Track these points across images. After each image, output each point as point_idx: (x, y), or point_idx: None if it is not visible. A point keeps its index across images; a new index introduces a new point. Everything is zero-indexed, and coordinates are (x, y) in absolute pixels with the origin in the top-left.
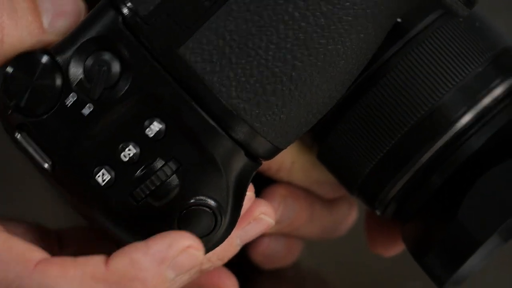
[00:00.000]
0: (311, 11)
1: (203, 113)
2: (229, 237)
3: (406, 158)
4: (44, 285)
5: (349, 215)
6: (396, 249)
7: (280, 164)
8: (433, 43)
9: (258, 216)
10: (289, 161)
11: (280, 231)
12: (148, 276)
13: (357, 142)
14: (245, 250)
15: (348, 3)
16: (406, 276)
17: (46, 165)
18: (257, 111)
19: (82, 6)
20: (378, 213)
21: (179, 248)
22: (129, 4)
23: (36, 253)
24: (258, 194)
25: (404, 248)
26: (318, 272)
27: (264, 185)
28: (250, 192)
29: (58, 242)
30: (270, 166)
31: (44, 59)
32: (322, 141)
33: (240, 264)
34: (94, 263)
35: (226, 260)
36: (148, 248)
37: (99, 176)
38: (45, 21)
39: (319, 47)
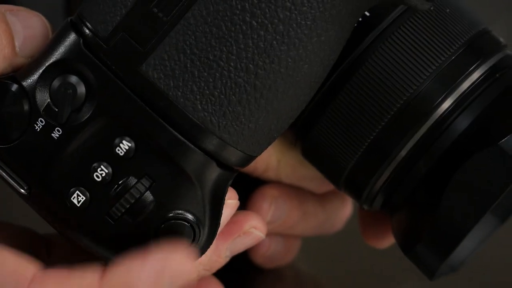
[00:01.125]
0: (269, 19)
1: (171, 129)
2: (217, 248)
3: (388, 150)
4: None
5: (343, 209)
6: (388, 240)
7: (266, 164)
8: (404, 33)
9: (248, 230)
10: (275, 160)
11: (274, 230)
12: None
13: (338, 137)
14: (245, 251)
15: (305, 8)
16: (405, 276)
17: (22, 190)
18: (224, 122)
19: (49, 27)
20: (365, 207)
21: (176, 260)
22: (88, 25)
23: (30, 267)
24: (247, 196)
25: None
26: (317, 272)
27: (253, 186)
28: (233, 200)
29: (46, 248)
30: (256, 167)
31: (12, 86)
32: (304, 138)
33: (240, 264)
34: (90, 276)
35: (214, 270)
36: (145, 260)
37: (74, 198)
38: (16, 44)
39: (280, 54)
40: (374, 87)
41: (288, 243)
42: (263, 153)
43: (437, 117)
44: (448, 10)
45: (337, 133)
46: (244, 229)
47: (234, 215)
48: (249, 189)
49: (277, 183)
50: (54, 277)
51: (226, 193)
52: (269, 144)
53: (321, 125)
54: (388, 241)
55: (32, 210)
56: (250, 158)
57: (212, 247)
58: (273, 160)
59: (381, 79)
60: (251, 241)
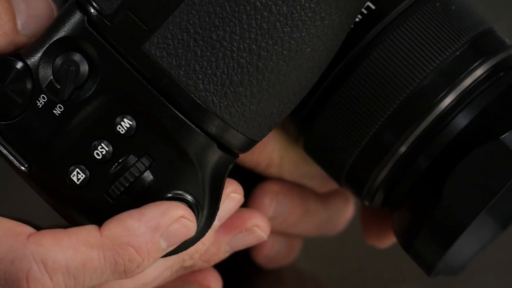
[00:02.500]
0: (273, 0)
1: (173, 108)
2: (217, 241)
3: (388, 145)
4: (39, 254)
5: (345, 209)
6: (388, 240)
7: (269, 160)
8: (409, 28)
9: (251, 228)
10: (278, 156)
11: (275, 228)
12: (142, 243)
13: (339, 132)
14: (246, 251)
15: None
16: (406, 277)
17: (22, 168)
18: (225, 103)
19: (54, 8)
20: (366, 203)
21: (173, 217)
22: (93, 3)
23: (26, 228)
24: (249, 192)
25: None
26: (317, 272)
27: (255, 182)
28: (238, 195)
29: None
30: (259, 162)
31: (16, 63)
32: (306, 133)
33: (241, 264)
34: (87, 230)
35: (212, 263)
36: (142, 215)
37: (74, 175)
38: (19, 23)
39: (283, 36)
40: (376, 81)
41: (290, 243)
42: (266, 149)
43: (438, 112)
44: (453, 7)
45: (339, 127)
46: (246, 226)
47: (239, 211)
48: (251, 185)
49: (278, 179)
50: (51, 233)
51: (226, 177)
52: (270, 129)
53: (323, 119)
54: (388, 241)
55: (30, 199)
56: (252, 142)
57: (211, 238)
58: (275, 156)
59: (384, 73)
60: (252, 240)
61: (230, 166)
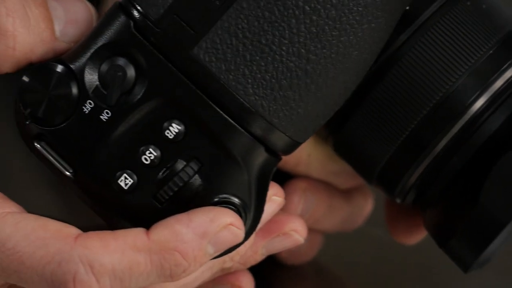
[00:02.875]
0: (322, 4)
1: (221, 112)
2: (255, 244)
3: (423, 145)
4: (86, 257)
5: (366, 204)
6: (418, 236)
7: (297, 158)
8: (441, 29)
9: (288, 232)
10: (306, 154)
11: None
12: (189, 248)
13: (373, 132)
14: None
15: None
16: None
17: (67, 173)
18: (274, 107)
19: (93, 13)
20: (398, 200)
21: (221, 224)
22: (139, 8)
23: (72, 229)
24: None
25: (425, 235)
26: (339, 268)
27: (282, 180)
28: (279, 198)
29: None
30: (287, 161)
31: (59, 68)
32: (337, 132)
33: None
34: (134, 234)
35: (248, 265)
36: (190, 221)
37: (121, 181)
38: (57, 29)
39: (331, 39)
40: (410, 82)
41: (312, 239)
42: None
43: (471, 114)
44: (484, 6)
45: (372, 128)
46: (284, 230)
47: (276, 214)
48: (278, 183)
49: (306, 177)
50: (99, 236)
51: (270, 179)
52: (314, 130)
53: (356, 120)
54: (417, 237)
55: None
56: (296, 144)
57: (251, 241)
58: (304, 154)
59: (417, 75)
60: (289, 243)
61: (274, 169)
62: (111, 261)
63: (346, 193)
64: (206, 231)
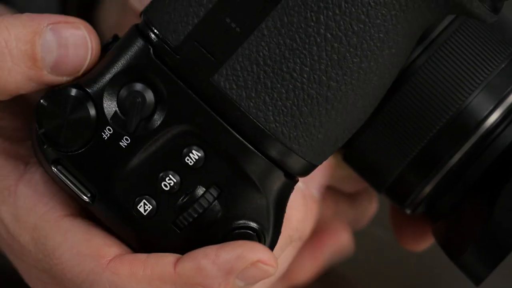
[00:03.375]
0: (343, 31)
1: (241, 139)
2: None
3: (436, 160)
4: (114, 283)
5: (370, 207)
6: (426, 243)
7: None
8: (453, 44)
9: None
10: None
11: None
12: (214, 284)
13: (385, 146)
14: None
15: (379, 21)
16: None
17: (85, 198)
18: (295, 133)
19: (91, 42)
20: (408, 211)
21: (248, 261)
22: (158, 34)
23: (112, 249)
24: None
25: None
26: (341, 267)
27: None
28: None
29: None
30: None
31: (76, 92)
32: (349, 146)
33: None
34: (163, 264)
35: None
36: (217, 257)
37: (140, 206)
38: (47, 65)
39: (352, 66)
40: (423, 98)
41: None
42: None
43: (485, 129)
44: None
45: (384, 142)
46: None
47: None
48: None
49: (312, 184)
50: (130, 261)
51: (287, 202)
52: (332, 153)
53: (369, 134)
54: (426, 244)
55: None
56: (313, 167)
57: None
58: None
59: (430, 90)
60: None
61: (292, 191)
62: None
63: (352, 197)
64: (233, 268)
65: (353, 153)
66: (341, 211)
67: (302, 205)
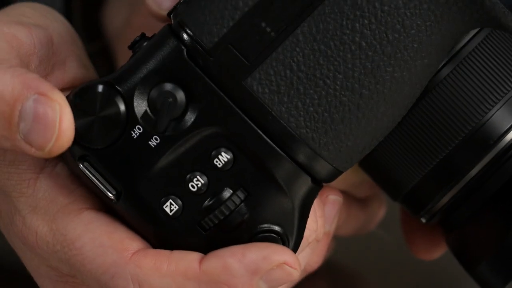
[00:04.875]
0: (378, 40)
1: (271, 143)
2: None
3: (455, 172)
4: (137, 276)
5: (380, 211)
6: (438, 252)
7: None
8: (476, 57)
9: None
10: None
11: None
12: (239, 284)
13: (405, 155)
14: None
15: (413, 31)
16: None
17: (110, 195)
18: (325, 140)
19: (64, 124)
20: (423, 220)
21: (274, 262)
22: (193, 35)
23: (135, 242)
24: None
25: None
26: (349, 269)
27: None
28: (337, 197)
29: None
30: None
31: (104, 89)
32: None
33: None
34: (188, 260)
35: None
36: (244, 256)
37: (167, 206)
38: (20, 132)
39: (385, 75)
40: (444, 110)
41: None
42: None
43: (505, 143)
44: None
45: (404, 152)
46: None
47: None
48: None
49: (328, 188)
50: (154, 256)
51: (311, 206)
52: (358, 160)
53: (388, 142)
54: (438, 253)
55: None
56: (339, 174)
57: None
58: None
59: (453, 102)
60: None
61: (316, 196)
62: (160, 284)
63: (362, 201)
64: (258, 268)
65: (370, 160)
66: (352, 215)
67: (318, 207)
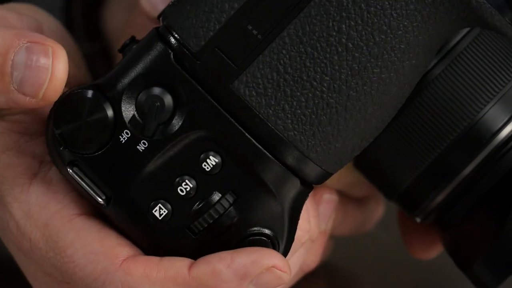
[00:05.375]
0: (364, 42)
1: (260, 146)
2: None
3: (448, 171)
4: (127, 283)
5: (377, 211)
6: (435, 251)
7: None
8: (469, 55)
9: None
10: None
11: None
12: None
13: (398, 155)
14: None
15: (400, 32)
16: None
17: (100, 200)
18: (313, 142)
19: (57, 70)
20: (418, 220)
21: (263, 266)
22: (178, 38)
23: (126, 249)
24: None
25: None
26: (347, 269)
27: None
28: (333, 196)
29: None
30: None
31: (92, 94)
32: (361, 154)
33: None
34: (177, 266)
35: None
36: (232, 261)
37: (156, 211)
38: (14, 82)
39: (372, 77)
40: (438, 108)
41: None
42: None
43: (499, 140)
44: None
45: (397, 151)
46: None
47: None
48: None
49: (323, 188)
50: (144, 263)
51: (302, 209)
52: (348, 162)
53: (381, 142)
54: (434, 252)
55: None
56: (329, 175)
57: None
58: None
59: (445, 101)
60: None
61: (306, 198)
62: None
63: (359, 201)
64: (247, 273)
65: (365, 160)
66: (349, 215)
67: (311, 208)
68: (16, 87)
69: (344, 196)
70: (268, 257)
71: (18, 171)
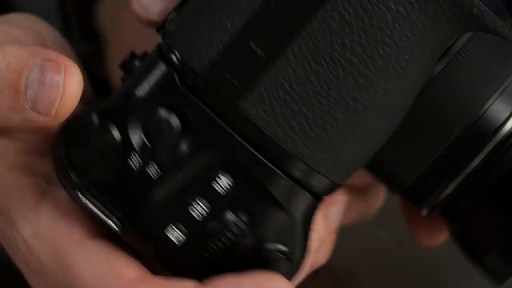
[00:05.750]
0: (369, 55)
1: (270, 164)
2: None
3: (455, 165)
4: None
5: (378, 199)
6: (441, 237)
7: None
8: (471, 50)
9: None
10: None
11: None
12: None
13: (404, 151)
14: None
15: (403, 43)
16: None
17: (113, 226)
18: (321, 156)
19: (69, 87)
20: (424, 212)
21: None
22: (183, 60)
23: (134, 270)
24: None
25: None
26: (347, 268)
27: None
28: (344, 196)
29: None
30: None
31: (98, 118)
32: None
33: None
34: (184, 287)
35: None
36: (238, 285)
37: (170, 233)
38: (28, 100)
39: (378, 89)
40: (441, 104)
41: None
42: None
43: (504, 133)
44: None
45: (403, 147)
46: None
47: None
48: None
49: None
50: (152, 281)
51: (313, 220)
52: (356, 171)
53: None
54: (441, 238)
55: None
56: (337, 186)
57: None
58: None
59: (448, 95)
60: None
61: (317, 209)
62: None
63: (361, 190)
64: None
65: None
66: (352, 206)
67: (319, 211)
68: (30, 105)
69: (346, 187)
70: (274, 282)
71: (27, 190)
